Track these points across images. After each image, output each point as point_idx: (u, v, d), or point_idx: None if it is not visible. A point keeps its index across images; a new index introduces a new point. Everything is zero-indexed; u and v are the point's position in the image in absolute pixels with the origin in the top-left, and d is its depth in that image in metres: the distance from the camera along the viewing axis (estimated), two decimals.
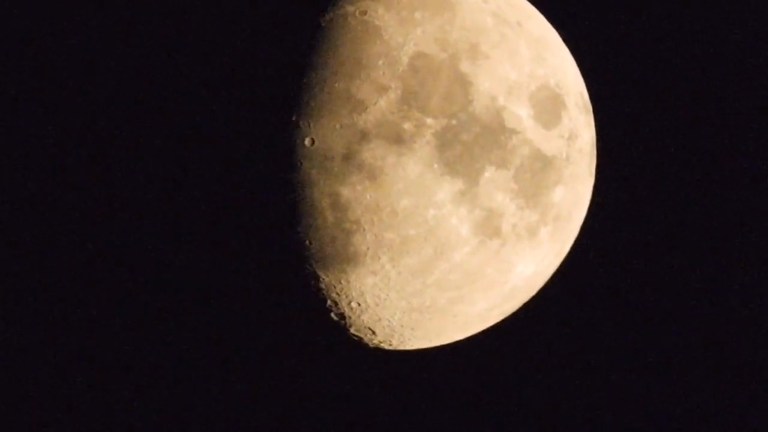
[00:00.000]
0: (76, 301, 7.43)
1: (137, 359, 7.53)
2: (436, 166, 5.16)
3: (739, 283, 7.74)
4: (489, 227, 5.36)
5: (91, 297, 7.42)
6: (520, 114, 5.37)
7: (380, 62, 5.20)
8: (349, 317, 5.67)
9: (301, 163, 5.19)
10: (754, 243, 7.73)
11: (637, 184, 7.71)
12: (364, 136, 5.13)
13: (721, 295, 7.73)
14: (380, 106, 5.14)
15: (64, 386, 7.49)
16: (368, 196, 5.16)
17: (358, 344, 5.98)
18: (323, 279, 5.45)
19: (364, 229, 5.23)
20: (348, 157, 5.14)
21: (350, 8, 5.40)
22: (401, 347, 6.06)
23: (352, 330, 5.79)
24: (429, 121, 5.15)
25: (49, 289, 7.43)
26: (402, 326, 5.72)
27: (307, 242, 5.32)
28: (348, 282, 5.44)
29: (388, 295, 5.47)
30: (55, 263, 7.39)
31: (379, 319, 5.65)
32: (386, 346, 6.02)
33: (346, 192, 5.18)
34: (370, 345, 5.99)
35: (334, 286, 5.48)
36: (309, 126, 5.17)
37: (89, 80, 7.18)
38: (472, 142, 5.21)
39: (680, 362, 7.78)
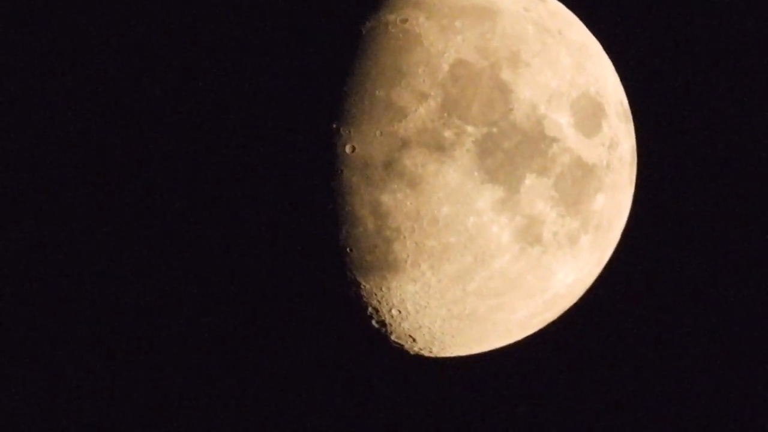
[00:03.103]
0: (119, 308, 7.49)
1: (177, 368, 7.58)
2: (476, 173, 5.16)
3: None
4: (530, 235, 5.36)
5: (131, 304, 7.48)
6: (561, 122, 5.37)
7: (420, 70, 5.22)
8: (390, 324, 5.68)
9: (342, 171, 5.21)
10: None
11: (677, 193, 7.66)
12: (404, 143, 5.14)
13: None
14: (420, 113, 5.15)
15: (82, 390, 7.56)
16: (409, 204, 5.17)
17: (399, 351, 5.99)
18: (364, 286, 5.47)
19: (404, 237, 5.24)
20: (388, 164, 5.15)
21: (391, 16, 5.42)
22: (442, 354, 6.07)
23: (392, 337, 5.80)
24: (469, 129, 5.16)
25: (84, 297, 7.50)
26: (442, 333, 5.72)
27: (348, 249, 5.34)
28: (389, 289, 5.45)
29: (428, 302, 5.47)
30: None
31: (420, 327, 5.66)
32: (427, 354, 6.03)
33: (386, 199, 5.19)
34: (411, 352, 6.00)
35: (375, 294, 5.49)
36: (349, 133, 5.19)
37: (140, 90, 7.24)
38: (512, 150, 5.21)
39: (716, 369, 7.73)
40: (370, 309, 5.60)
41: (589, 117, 5.53)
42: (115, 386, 7.53)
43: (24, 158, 7.36)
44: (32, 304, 7.45)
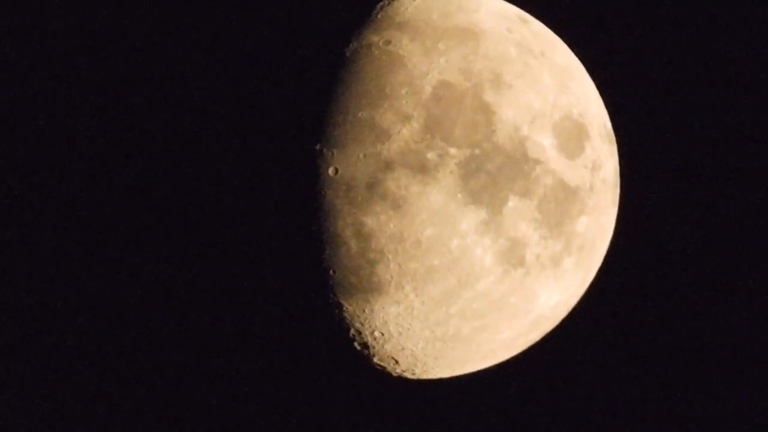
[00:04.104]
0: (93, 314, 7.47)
1: (159, 385, 7.54)
2: (459, 195, 5.16)
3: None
4: (513, 257, 5.35)
5: (110, 315, 7.45)
6: (544, 144, 5.37)
7: (404, 91, 5.22)
8: (373, 346, 5.66)
9: (325, 192, 5.20)
10: None
11: (660, 214, 7.69)
12: (387, 165, 5.13)
13: (748, 326, 7.68)
14: (404, 135, 5.15)
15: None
16: (392, 226, 5.17)
17: (382, 373, 5.97)
18: (347, 308, 5.45)
19: (387, 259, 5.23)
20: (372, 186, 5.14)
21: (374, 38, 5.43)
22: (425, 376, 6.05)
23: (375, 359, 5.78)
24: (452, 150, 5.16)
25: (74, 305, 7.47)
26: (426, 355, 5.70)
27: (331, 271, 5.33)
28: (372, 311, 5.43)
29: (411, 324, 5.46)
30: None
31: (403, 349, 5.64)
32: (410, 375, 6.01)
33: (369, 221, 5.18)
34: (394, 374, 5.98)
35: (358, 316, 5.47)
36: (333, 155, 5.18)
37: (124, 111, 7.23)
38: (495, 172, 5.21)
39: (700, 388, 7.73)
40: (352, 331, 5.58)
41: (572, 139, 5.54)
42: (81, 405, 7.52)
43: (20, 158, 7.35)
44: (20, 307, 7.43)
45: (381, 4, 5.66)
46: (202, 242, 5.82)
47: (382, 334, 5.54)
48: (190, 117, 5.88)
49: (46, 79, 7.41)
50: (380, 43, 5.39)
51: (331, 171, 5.18)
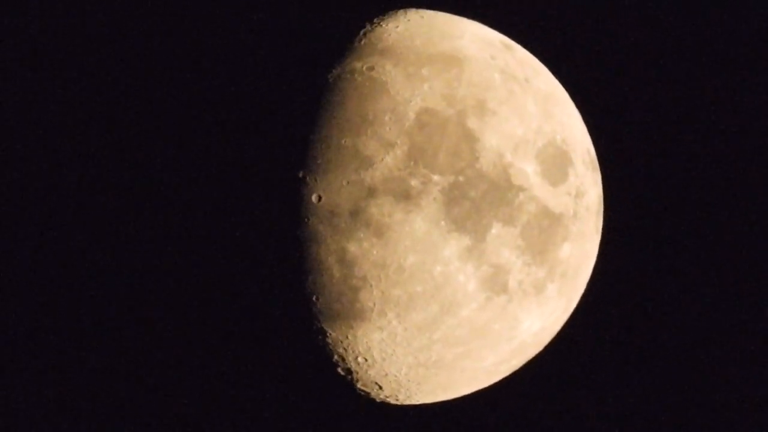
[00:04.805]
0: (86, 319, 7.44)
1: (144, 409, 7.51)
2: (443, 222, 5.16)
3: (755, 337, 7.71)
4: (496, 284, 5.35)
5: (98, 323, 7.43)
6: (527, 170, 5.38)
7: (387, 118, 5.22)
8: (356, 372, 5.64)
9: (308, 219, 5.19)
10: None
11: (643, 242, 7.70)
12: (371, 192, 5.13)
13: (734, 354, 7.70)
14: (387, 162, 5.15)
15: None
16: (375, 253, 5.16)
17: (365, 399, 5.96)
18: (330, 334, 5.44)
19: (371, 285, 5.22)
20: (355, 213, 5.14)
21: (357, 64, 5.43)
22: (408, 402, 6.04)
23: (359, 385, 5.77)
24: (436, 177, 5.16)
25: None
26: (409, 381, 5.69)
27: (314, 298, 5.32)
28: (355, 337, 5.42)
29: (394, 350, 5.45)
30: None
31: (386, 374, 5.63)
32: (393, 401, 6.00)
33: (353, 248, 5.17)
34: (377, 400, 5.97)
35: (341, 342, 5.46)
36: (316, 182, 5.18)
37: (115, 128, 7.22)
38: (479, 199, 5.21)
39: (687, 415, 7.74)
40: (336, 357, 5.56)
41: (556, 165, 5.55)
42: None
43: (18, 159, 7.34)
44: (20, 306, 7.41)
45: (364, 30, 5.66)
46: (185, 268, 5.80)
47: (366, 360, 5.53)
48: (172, 144, 5.87)
49: (44, 78, 7.41)
50: (363, 69, 5.40)
51: (314, 198, 5.18)
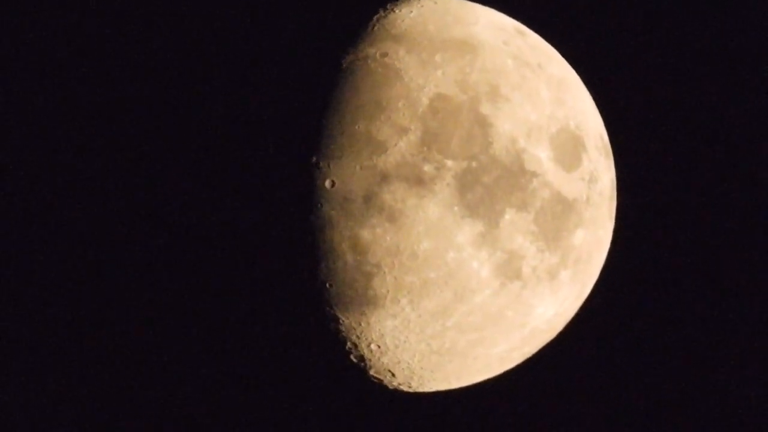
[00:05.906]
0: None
1: (155, 403, 7.52)
2: (456, 208, 5.14)
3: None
4: (509, 270, 5.34)
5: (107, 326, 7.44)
6: (541, 156, 5.36)
7: (400, 104, 5.21)
8: (369, 359, 5.64)
9: (321, 205, 5.18)
10: None
11: (657, 227, 7.68)
12: (384, 177, 5.12)
13: (747, 340, 7.67)
14: (400, 147, 5.14)
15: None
16: (388, 239, 5.15)
17: (378, 386, 5.95)
18: (343, 321, 5.43)
19: (384, 272, 5.21)
20: (368, 199, 5.13)
21: (371, 50, 5.41)
22: (421, 389, 6.03)
23: (371, 372, 5.76)
24: (449, 163, 5.14)
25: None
26: (422, 368, 5.69)
27: (327, 284, 5.31)
28: (368, 324, 5.41)
29: (407, 337, 5.44)
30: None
31: (399, 362, 5.62)
32: (406, 389, 5.99)
33: (366, 234, 5.16)
34: (390, 387, 5.96)
35: (354, 329, 5.45)
36: (329, 167, 5.17)
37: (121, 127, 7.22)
38: (492, 185, 5.20)
39: (697, 403, 7.72)
40: (348, 344, 5.56)
41: (569, 151, 5.53)
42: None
43: (20, 158, 7.34)
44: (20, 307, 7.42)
45: (377, 16, 5.65)
46: (197, 254, 5.80)
47: (379, 347, 5.52)
48: (185, 129, 5.87)
49: (42, 79, 7.41)
50: (377, 56, 5.38)
51: (327, 184, 5.17)
